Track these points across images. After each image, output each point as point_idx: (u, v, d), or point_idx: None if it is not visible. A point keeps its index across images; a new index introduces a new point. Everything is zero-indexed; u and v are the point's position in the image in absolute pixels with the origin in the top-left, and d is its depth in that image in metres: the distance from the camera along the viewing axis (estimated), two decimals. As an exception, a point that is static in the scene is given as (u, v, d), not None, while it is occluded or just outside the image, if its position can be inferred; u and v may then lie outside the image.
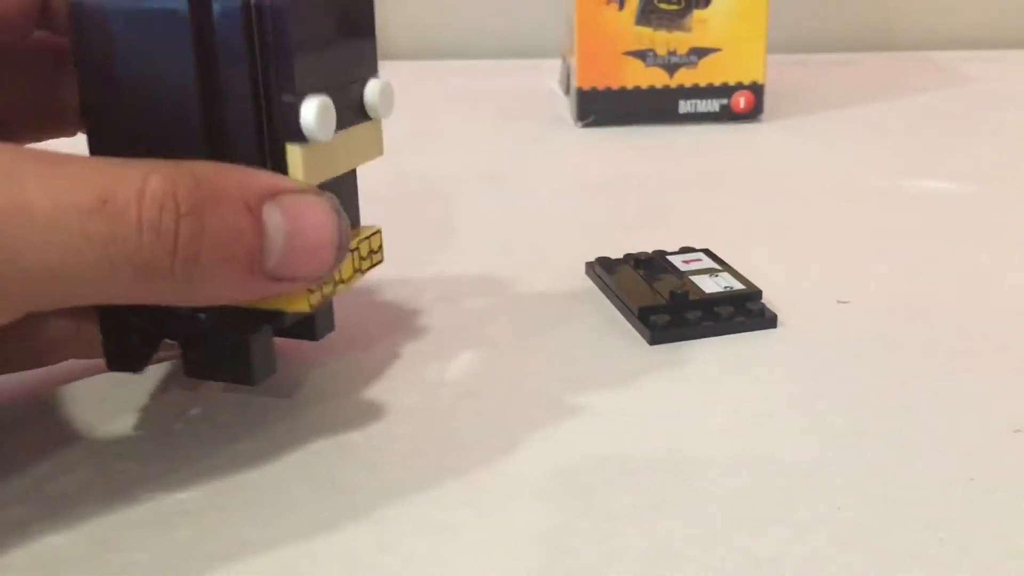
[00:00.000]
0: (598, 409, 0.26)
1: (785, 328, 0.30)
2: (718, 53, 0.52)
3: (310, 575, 0.21)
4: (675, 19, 0.51)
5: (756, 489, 0.23)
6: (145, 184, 0.20)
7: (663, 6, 0.51)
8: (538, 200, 0.43)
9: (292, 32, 0.22)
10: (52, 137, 0.28)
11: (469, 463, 0.24)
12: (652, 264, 0.33)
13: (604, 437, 0.25)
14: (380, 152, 0.26)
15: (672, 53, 0.52)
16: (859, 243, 0.37)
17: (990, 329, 0.30)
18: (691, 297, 0.30)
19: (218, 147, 0.23)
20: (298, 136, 0.23)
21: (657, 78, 0.52)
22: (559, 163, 0.48)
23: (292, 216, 0.22)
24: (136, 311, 0.24)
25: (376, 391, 0.27)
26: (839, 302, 0.32)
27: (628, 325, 0.31)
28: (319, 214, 0.22)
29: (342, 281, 0.25)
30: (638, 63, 0.52)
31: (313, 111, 0.22)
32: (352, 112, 0.25)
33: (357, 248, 0.25)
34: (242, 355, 0.25)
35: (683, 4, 0.51)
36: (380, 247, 0.26)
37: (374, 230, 0.26)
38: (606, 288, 0.33)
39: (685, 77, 0.52)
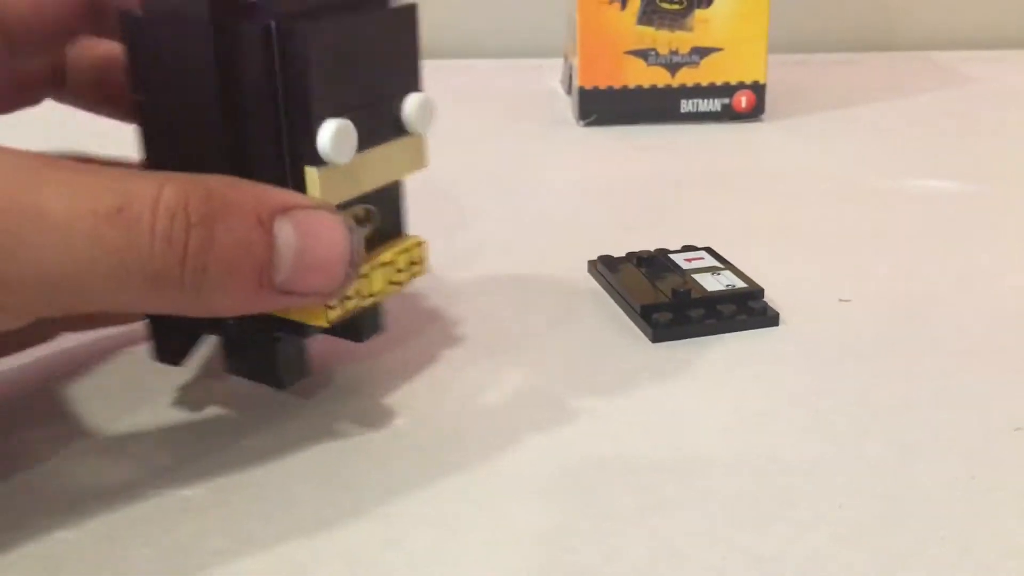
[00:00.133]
0: (600, 407, 0.27)
1: (787, 326, 0.31)
2: (720, 53, 0.52)
3: (314, 571, 0.21)
4: (677, 19, 0.51)
5: (757, 487, 0.23)
6: (159, 194, 0.20)
7: (665, 6, 0.51)
8: (540, 199, 0.43)
9: (310, 58, 0.22)
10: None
11: (472, 461, 0.24)
12: (654, 262, 0.33)
13: (606, 435, 0.25)
14: (423, 165, 0.26)
15: (674, 52, 0.52)
16: (860, 242, 0.37)
17: (991, 328, 0.30)
18: (693, 295, 0.31)
19: (241, 165, 0.23)
20: (315, 159, 0.23)
21: (659, 77, 0.52)
22: (561, 162, 0.48)
23: (303, 232, 0.22)
24: None
25: (379, 390, 0.27)
26: (841, 301, 0.32)
27: (630, 323, 0.31)
28: (331, 231, 0.22)
29: (371, 295, 0.25)
30: (640, 62, 0.52)
31: (329, 136, 0.22)
32: (389, 127, 0.25)
33: (392, 261, 0.25)
34: (270, 360, 0.25)
35: (685, 4, 0.51)
36: (422, 259, 0.26)
37: (415, 242, 0.26)
38: (608, 286, 0.33)
39: (687, 76, 0.52)
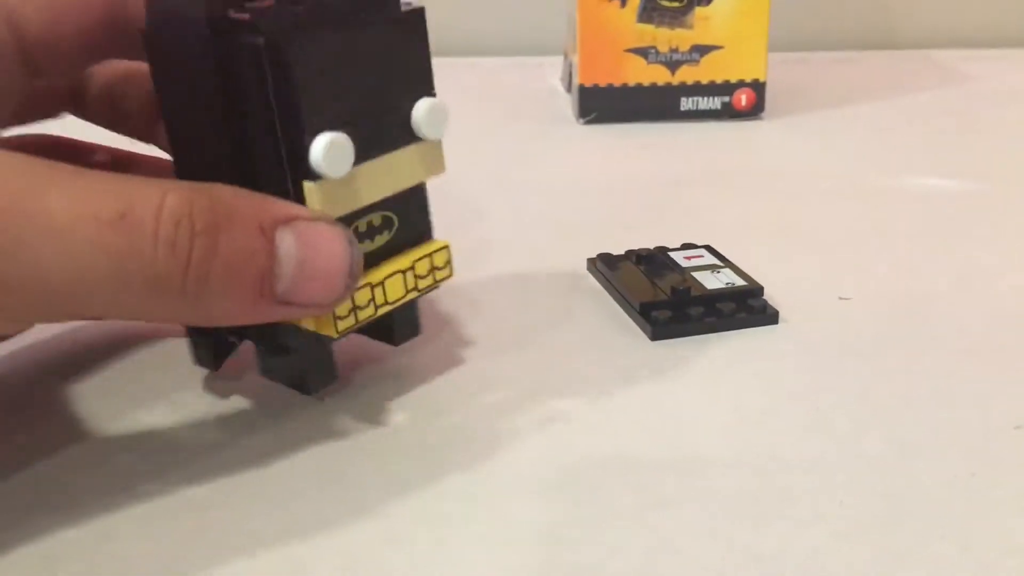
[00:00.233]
0: (600, 405, 0.26)
1: (787, 325, 0.30)
2: (720, 51, 0.52)
3: (315, 568, 0.21)
4: (677, 16, 0.51)
5: (757, 485, 0.23)
6: (163, 201, 0.20)
7: (665, 3, 0.51)
8: (540, 196, 0.43)
9: (297, 75, 0.22)
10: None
11: (472, 459, 0.24)
12: (654, 260, 0.33)
13: (606, 434, 0.25)
14: (439, 171, 0.26)
15: (674, 50, 0.52)
16: (860, 240, 0.37)
17: (991, 326, 0.30)
18: (693, 293, 0.30)
19: (245, 176, 0.23)
20: (311, 173, 0.23)
21: (659, 75, 0.52)
22: (561, 160, 0.48)
23: (304, 242, 0.22)
24: None
25: (378, 388, 0.27)
26: (840, 299, 0.32)
27: (629, 321, 0.31)
28: (331, 242, 0.22)
29: (387, 303, 0.25)
30: (640, 60, 0.52)
31: (320, 151, 0.22)
32: (399, 134, 0.25)
33: (411, 267, 0.25)
34: (296, 366, 0.26)
35: (685, 1, 0.51)
36: (447, 263, 0.26)
37: (439, 246, 0.26)
38: (608, 284, 0.33)
39: (687, 74, 0.52)
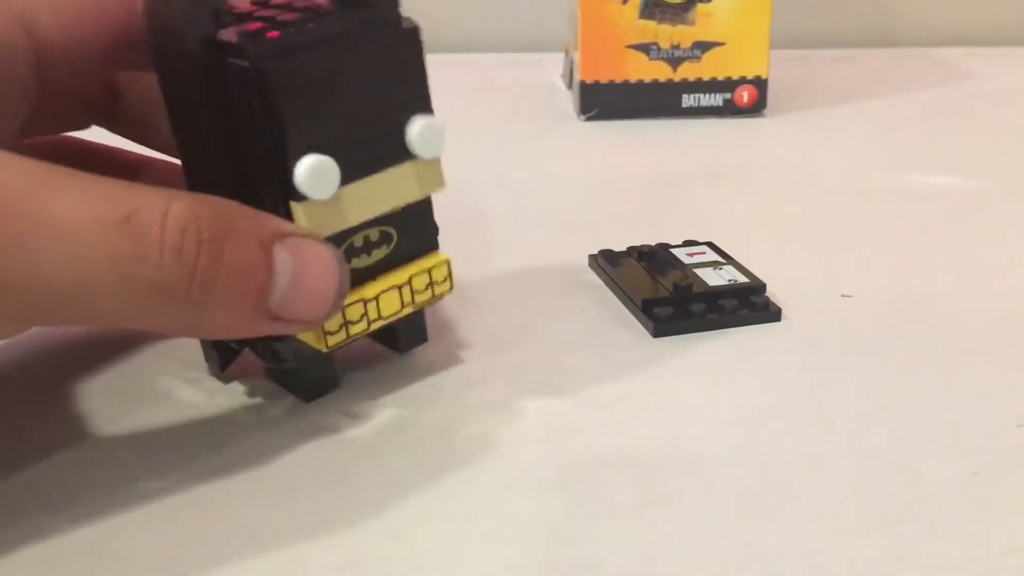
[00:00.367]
0: (602, 401, 0.26)
1: (789, 322, 0.30)
2: (722, 47, 0.52)
3: (317, 563, 0.21)
4: (679, 13, 0.51)
5: (759, 482, 0.23)
6: (168, 207, 0.20)
7: (667, 0, 0.51)
8: (541, 193, 0.43)
9: (279, 100, 0.22)
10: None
11: (473, 455, 0.24)
12: (655, 257, 0.33)
13: (607, 430, 0.25)
14: (438, 187, 0.26)
15: (676, 47, 0.52)
16: (862, 238, 0.37)
17: (993, 324, 0.30)
18: (695, 290, 0.30)
19: (241, 193, 0.23)
20: (297, 194, 0.23)
21: (660, 72, 0.52)
22: (562, 157, 0.48)
23: (298, 259, 0.22)
24: None
25: (379, 385, 0.27)
26: (843, 296, 0.32)
27: (631, 317, 0.31)
28: (324, 260, 0.22)
29: (380, 318, 0.25)
30: (641, 57, 0.52)
31: (304, 174, 0.22)
32: (393, 152, 0.24)
33: (409, 282, 0.25)
34: (294, 374, 0.26)
35: (687, -2, 0.51)
36: (446, 278, 0.26)
37: (438, 261, 0.26)
38: (609, 280, 0.33)
39: (688, 71, 0.52)
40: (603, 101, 0.53)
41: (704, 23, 0.51)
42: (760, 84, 0.53)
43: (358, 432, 0.25)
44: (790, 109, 0.55)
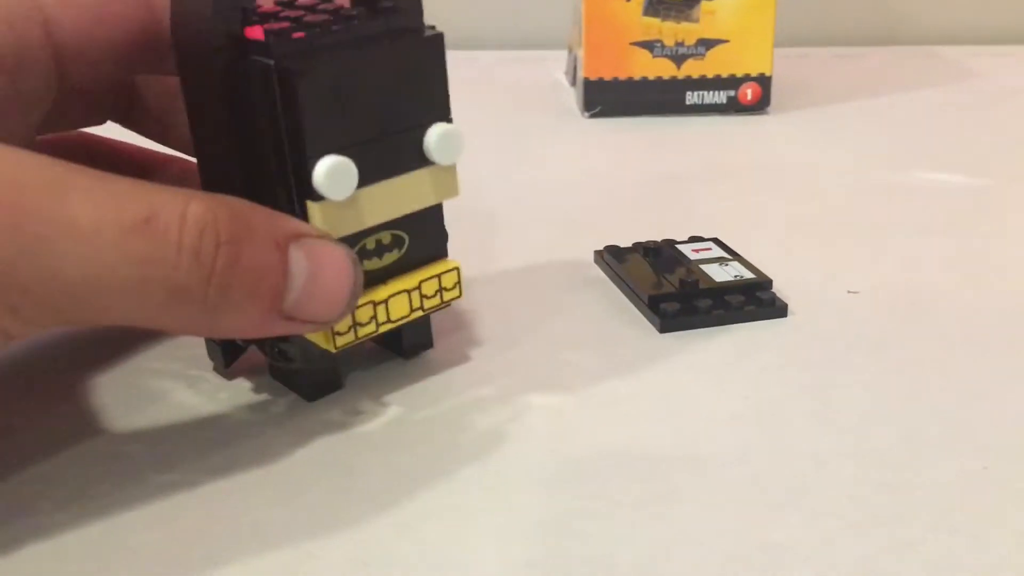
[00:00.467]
0: (608, 397, 0.26)
1: (795, 318, 0.30)
2: (726, 44, 0.52)
3: (325, 558, 0.21)
4: (683, 10, 0.51)
5: (767, 477, 0.23)
6: (186, 208, 0.20)
7: (671, -3, 0.51)
8: (545, 190, 0.43)
9: (302, 99, 0.22)
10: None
11: (480, 452, 0.24)
12: (661, 253, 0.33)
13: (614, 426, 0.25)
14: (453, 194, 0.26)
15: (680, 44, 0.52)
16: (868, 234, 0.37)
17: (1000, 321, 0.30)
18: (701, 286, 0.30)
19: (256, 192, 0.23)
20: (315, 194, 0.23)
21: (664, 69, 0.52)
22: (566, 153, 0.48)
23: (314, 260, 0.22)
24: None
25: (386, 381, 0.27)
26: (849, 292, 0.32)
27: (638, 313, 0.31)
28: (338, 261, 0.22)
29: (388, 322, 0.25)
30: (645, 54, 0.52)
31: (322, 174, 0.22)
32: (410, 157, 0.24)
33: (419, 287, 0.25)
34: (299, 373, 0.26)
35: (691, -5, 0.51)
36: (455, 284, 0.26)
37: (448, 267, 0.26)
38: (615, 276, 0.33)
39: (692, 68, 0.52)
40: (607, 98, 0.52)
41: (708, 20, 0.51)
42: (764, 81, 0.52)
43: (364, 429, 0.25)
44: (794, 107, 0.55)
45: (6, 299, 0.19)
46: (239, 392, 0.27)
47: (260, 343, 0.26)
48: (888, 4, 0.74)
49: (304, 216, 0.23)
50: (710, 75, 0.52)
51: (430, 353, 0.28)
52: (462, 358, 0.28)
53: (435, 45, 0.24)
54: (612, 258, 0.33)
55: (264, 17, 0.23)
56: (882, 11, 0.74)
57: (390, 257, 0.25)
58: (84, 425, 0.25)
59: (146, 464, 0.24)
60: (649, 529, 0.21)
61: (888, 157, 0.47)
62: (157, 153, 0.30)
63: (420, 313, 0.26)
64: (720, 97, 0.53)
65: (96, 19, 0.24)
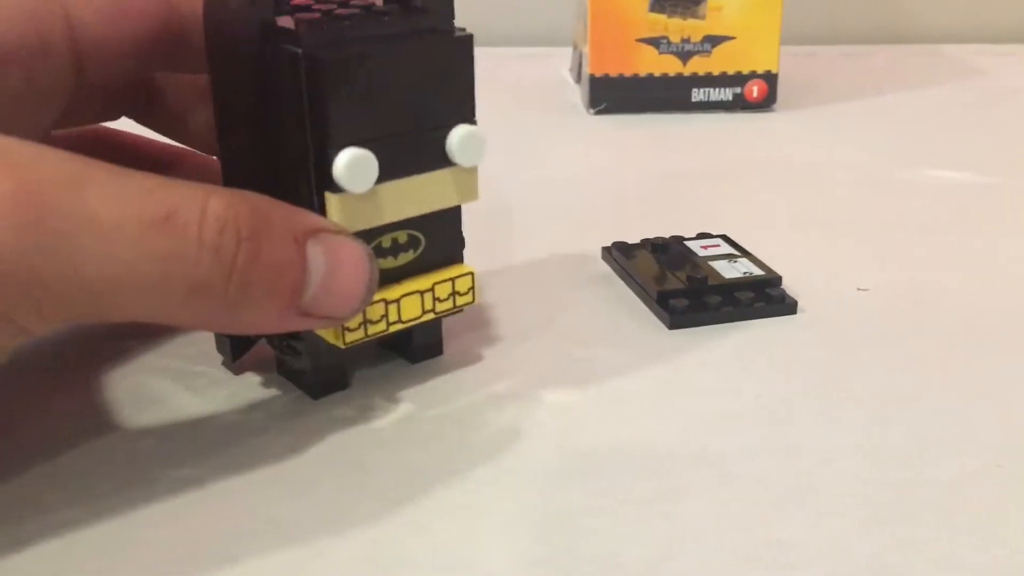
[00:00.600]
0: (618, 394, 0.26)
1: (805, 315, 0.30)
2: (732, 41, 0.52)
3: (336, 554, 0.21)
4: (689, 6, 0.51)
5: (777, 474, 0.23)
6: (206, 204, 0.20)
7: (677, -7, 0.51)
8: (551, 186, 0.42)
9: (329, 88, 0.22)
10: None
11: (490, 448, 0.24)
12: (670, 249, 0.33)
13: (624, 422, 0.25)
14: (471, 198, 0.26)
15: (686, 40, 0.52)
16: (876, 232, 0.37)
17: (1010, 318, 0.30)
18: (710, 282, 0.30)
19: (275, 183, 0.23)
20: (334, 185, 0.23)
21: (670, 66, 0.52)
22: (571, 150, 0.48)
23: (331, 256, 0.22)
24: None
25: (395, 378, 0.27)
26: (859, 290, 0.32)
27: (646, 310, 0.31)
28: (355, 258, 0.22)
29: (400, 322, 0.25)
30: (651, 50, 0.52)
31: (343, 165, 0.22)
32: (432, 157, 0.24)
33: (430, 289, 0.25)
34: (306, 370, 0.26)
35: (697, -8, 0.51)
36: (469, 290, 0.26)
37: (463, 272, 0.26)
38: (624, 273, 0.32)
39: (698, 65, 0.52)
40: (612, 95, 0.52)
41: (714, 17, 0.51)
42: (770, 79, 0.52)
43: (374, 426, 0.25)
44: (800, 105, 0.54)
45: (27, 296, 0.19)
46: (247, 388, 0.26)
47: (269, 338, 0.26)
48: (893, 3, 0.74)
49: (322, 207, 0.23)
50: (716, 72, 0.52)
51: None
52: (472, 355, 0.28)
53: (464, 46, 0.24)
54: (620, 254, 0.33)
55: (296, 9, 0.23)
56: (888, 10, 0.74)
57: (405, 257, 0.25)
58: (91, 421, 0.25)
59: (155, 461, 0.23)
60: (657, 526, 0.21)
61: (895, 155, 0.46)
62: (174, 148, 0.30)
63: (432, 316, 0.26)
64: (726, 94, 0.53)
65: (117, 14, 0.24)
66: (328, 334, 0.24)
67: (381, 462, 0.23)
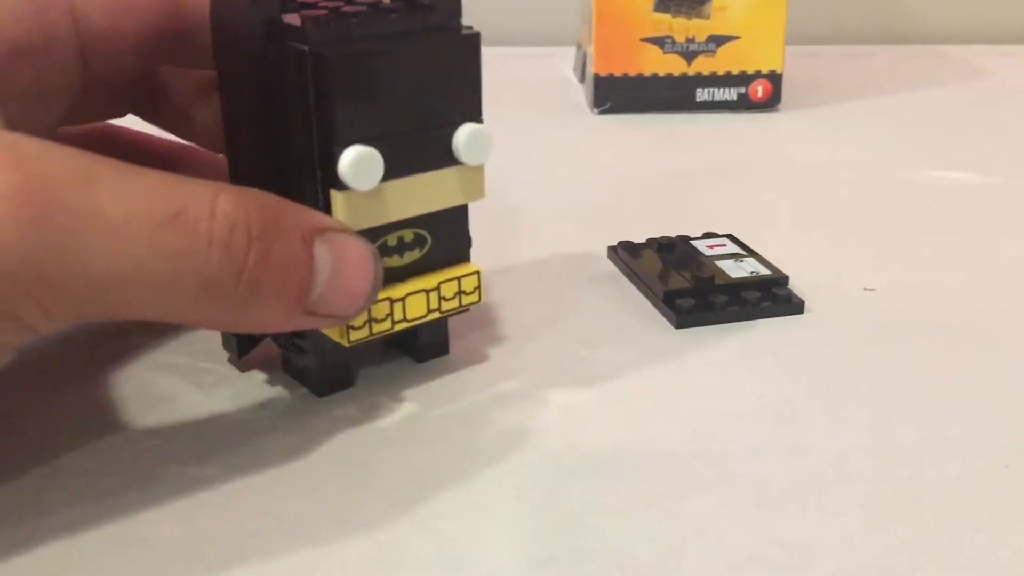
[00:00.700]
0: (625, 393, 0.26)
1: (812, 314, 0.30)
2: (736, 41, 0.52)
3: (344, 553, 0.20)
4: (694, 6, 0.51)
5: (785, 473, 0.23)
6: (215, 202, 0.20)
7: (682, -7, 0.51)
8: (555, 186, 0.42)
9: (334, 85, 0.22)
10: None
11: (497, 446, 0.24)
12: (676, 249, 0.33)
13: (631, 421, 0.25)
14: (477, 197, 0.26)
15: (690, 40, 0.51)
16: (881, 232, 0.37)
17: (1017, 317, 0.30)
18: (717, 281, 0.30)
19: (280, 181, 0.23)
20: (338, 183, 0.23)
21: (675, 65, 0.52)
22: (576, 150, 0.48)
23: (338, 255, 0.22)
24: None
25: (402, 378, 0.27)
26: (865, 289, 0.32)
27: (653, 309, 0.31)
28: (360, 257, 0.22)
29: (404, 320, 0.25)
30: (656, 50, 0.52)
31: (348, 163, 0.22)
32: (438, 155, 0.24)
33: (435, 288, 0.25)
34: (310, 367, 0.26)
35: (702, -9, 0.51)
36: (475, 289, 0.26)
37: (469, 271, 0.26)
38: (629, 272, 0.32)
39: (703, 65, 0.52)
40: (617, 95, 0.52)
41: (719, 16, 0.51)
42: (775, 79, 0.52)
43: (380, 425, 0.25)
44: (804, 105, 0.54)
45: (33, 295, 0.18)
46: (253, 386, 0.26)
47: (275, 335, 0.26)
48: (896, 3, 0.74)
49: (327, 205, 0.23)
50: (721, 72, 0.52)
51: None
52: (477, 354, 0.28)
53: (471, 44, 0.24)
54: (626, 254, 0.33)
55: (303, 6, 0.23)
56: (891, 10, 0.74)
57: (411, 256, 0.25)
58: (96, 419, 0.25)
59: (161, 459, 0.23)
60: (663, 525, 0.21)
61: (899, 155, 0.46)
62: (180, 145, 0.30)
63: (437, 315, 0.25)
64: (730, 94, 0.52)
65: (121, 9, 0.24)
66: (333, 332, 0.24)
67: (387, 461, 0.23)
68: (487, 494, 0.22)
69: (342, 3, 0.24)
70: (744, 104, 0.53)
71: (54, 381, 0.27)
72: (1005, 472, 0.23)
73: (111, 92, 0.28)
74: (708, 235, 0.34)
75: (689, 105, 0.53)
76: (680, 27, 0.51)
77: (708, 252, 0.33)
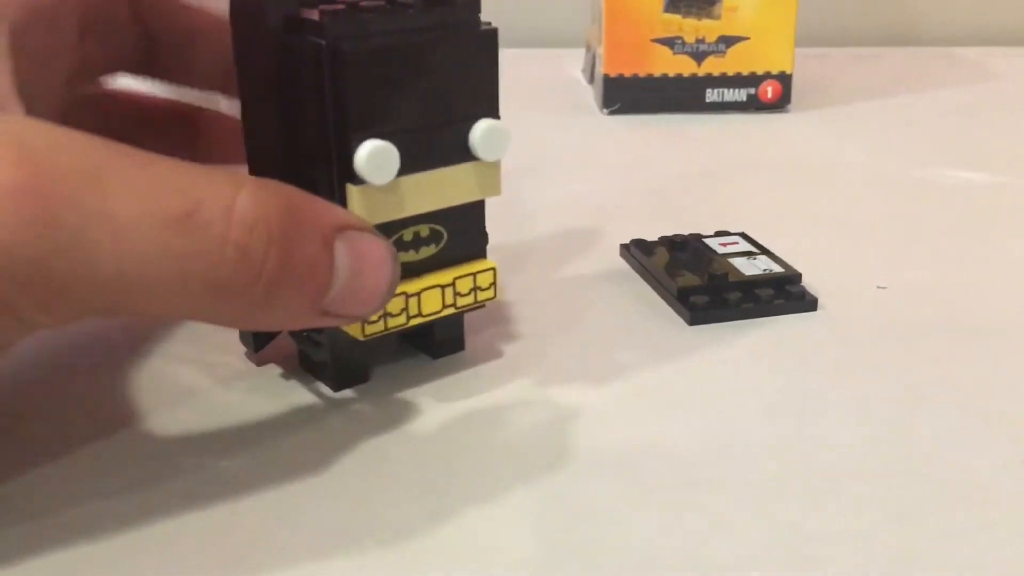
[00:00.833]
0: (640, 390, 0.26)
1: (825, 312, 0.30)
2: (746, 42, 0.52)
3: (360, 547, 0.20)
4: (704, 6, 0.51)
5: (803, 469, 0.23)
6: (234, 201, 0.19)
7: (692, -6, 0.51)
8: (567, 186, 0.42)
9: (351, 79, 0.22)
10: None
11: (515, 442, 0.24)
12: (688, 246, 0.33)
13: (647, 417, 0.25)
14: (493, 193, 0.26)
15: (700, 41, 0.52)
16: (893, 230, 0.37)
17: (1031, 316, 0.30)
18: (731, 279, 0.30)
19: (297, 172, 0.23)
20: (356, 177, 0.23)
21: (685, 66, 0.52)
22: (587, 149, 0.48)
23: (356, 256, 0.21)
24: None
25: (419, 376, 0.27)
26: (878, 287, 0.32)
27: (666, 306, 0.31)
28: (379, 258, 0.22)
29: (420, 316, 0.25)
30: (666, 50, 0.52)
31: (364, 157, 0.22)
32: (455, 151, 0.24)
33: (451, 283, 0.25)
34: (326, 362, 0.26)
35: (712, -8, 0.51)
36: (491, 285, 0.26)
37: (485, 267, 0.26)
38: (643, 270, 0.32)
39: (713, 65, 0.52)
40: (626, 95, 0.52)
41: (729, 17, 0.51)
42: (785, 79, 0.52)
43: (396, 420, 0.25)
44: (814, 105, 0.54)
45: (38, 297, 0.18)
46: (269, 380, 0.26)
47: (291, 332, 0.26)
48: (906, 5, 0.74)
49: (343, 199, 0.23)
50: (730, 72, 0.52)
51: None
52: (493, 351, 0.28)
53: (489, 40, 0.24)
54: (639, 251, 0.33)
55: (322, 1, 0.23)
56: (899, 12, 0.74)
57: (427, 251, 0.25)
58: (119, 419, 0.25)
59: (176, 453, 0.24)
60: (680, 520, 0.21)
61: (909, 155, 0.46)
62: (197, 107, 0.30)
63: (452, 311, 0.26)
64: (740, 95, 0.53)
65: None
66: (350, 328, 0.24)
67: (403, 456, 0.23)
68: (503, 489, 0.22)
69: None
70: (754, 105, 0.53)
71: (66, 373, 0.27)
72: (1018, 467, 0.23)
73: (110, 50, 0.27)
74: (721, 233, 0.34)
75: (699, 106, 0.53)
76: (690, 28, 0.51)
77: (721, 250, 0.33)
